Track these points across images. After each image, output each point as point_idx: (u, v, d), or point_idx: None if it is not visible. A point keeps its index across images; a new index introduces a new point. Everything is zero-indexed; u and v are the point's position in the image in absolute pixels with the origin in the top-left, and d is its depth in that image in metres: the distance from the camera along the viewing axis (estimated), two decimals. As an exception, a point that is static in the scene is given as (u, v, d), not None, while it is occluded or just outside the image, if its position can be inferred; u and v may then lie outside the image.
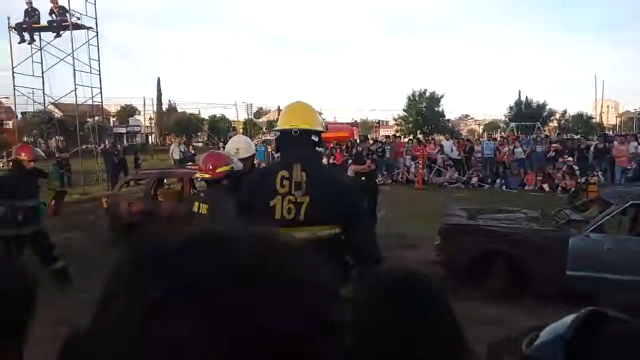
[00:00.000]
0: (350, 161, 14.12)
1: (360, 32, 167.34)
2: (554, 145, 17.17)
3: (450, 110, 68.78)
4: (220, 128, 49.31)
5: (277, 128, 2.60)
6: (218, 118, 53.71)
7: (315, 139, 2.50)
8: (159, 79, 53.74)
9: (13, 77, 16.45)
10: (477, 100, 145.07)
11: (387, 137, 22.34)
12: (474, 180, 16.35)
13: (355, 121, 53.61)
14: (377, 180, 10.08)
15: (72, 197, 12.31)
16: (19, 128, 23.62)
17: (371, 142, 15.64)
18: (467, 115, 72.94)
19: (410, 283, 0.92)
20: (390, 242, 7.54)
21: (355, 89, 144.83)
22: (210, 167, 3.72)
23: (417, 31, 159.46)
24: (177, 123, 47.47)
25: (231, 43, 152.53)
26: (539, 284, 5.37)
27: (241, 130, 40.46)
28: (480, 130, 60.68)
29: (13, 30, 16.12)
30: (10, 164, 5.77)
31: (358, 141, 20.26)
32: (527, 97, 47.52)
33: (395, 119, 49.02)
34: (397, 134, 27.13)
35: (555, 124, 47.85)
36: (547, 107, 46.80)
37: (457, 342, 0.89)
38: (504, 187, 15.78)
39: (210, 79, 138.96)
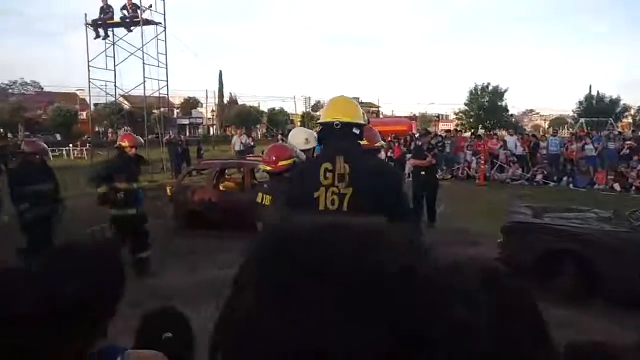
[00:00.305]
0: (408, 155, 13.94)
1: (422, 26, 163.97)
2: (628, 142, 16.18)
3: (514, 104, 66.21)
4: (278, 121, 50.07)
5: (319, 121, 2.66)
6: (277, 111, 54.49)
7: (357, 131, 2.55)
8: (220, 72, 55.35)
9: (88, 70, 17.44)
10: (543, 95, 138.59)
11: (448, 131, 21.84)
12: (539, 177, 15.68)
13: (414, 115, 52.81)
14: (436, 175, 9.87)
15: (140, 184, 12.92)
16: (92, 119, 24.99)
17: (431, 136, 15.34)
18: (531, 110, 70.02)
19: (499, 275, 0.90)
20: (450, 237, 7.42)
21: (414, 82, 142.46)
22: (274, 159, 3.80)
23: (480, 24, 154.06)
24: (237, 115, 48.65)
25: (291, 37, 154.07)
26: (610, 287, 5.10)
27: (299, 123, 40.88)
28: (546, 126, 58.02)
29: (89, 26, 17.07)
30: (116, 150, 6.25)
31: (417, 135, 20.01)
32: (598, 92, 45.01)
33: (455, 113, 47.85)
34: (458, 128, 26.47)
35: (630, 120, 45.03)
36: (621, 103, 44.12)
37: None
38: (570, 185, 15.04)
39: (270, 73, 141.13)
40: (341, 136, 2.50)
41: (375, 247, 0.43)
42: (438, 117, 62.32)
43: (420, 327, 0.39)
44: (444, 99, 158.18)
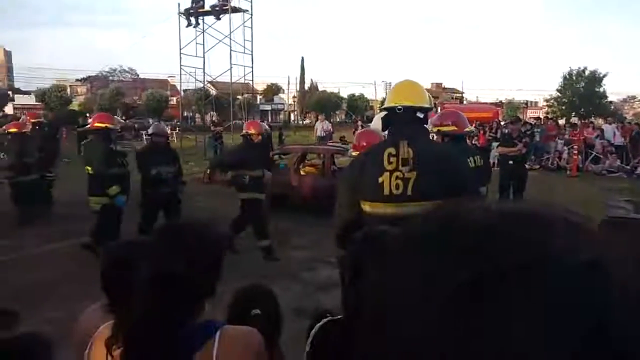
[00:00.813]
0: (495, 143, 13.35)
1: (512, 9, 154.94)
2: None
3: (613, 91, 60.94)
4: (358, 107, 49.86)
5: (386, 105, 2.62)
6: (357, 97, 54.29)
7: (421, 115, 2.52)
8: (302, 58, 56.03)
9: (180, 57, 18.34)
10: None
11: (537, 118, 20.62)
12: (641, 170, 14.40)
13: (500, 101, 50.34)
14: (525, 165, 9.37)
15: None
16: (182, 104, 26.37)
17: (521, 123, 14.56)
18: (633, 97, 64.09)
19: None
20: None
21: (501, 67, 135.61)
22: (363, 145, 3.84)
23: (576, 6, 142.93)
24: (317, 102, 49.09)
25: (372, 22, 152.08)
26: None
27: (378, 109, 40.47)
28: (650, 114, 52.95)
29: (182, 15, 17.92)
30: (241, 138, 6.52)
31: (502, 122, 19.08)
32: None
33: (546, 100, 45.00)
34: (549, 116, 24.89)
35: None
36: None
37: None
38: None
39: (351, 59, 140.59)
40: (404, 120, 2.49)
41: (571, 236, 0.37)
42: (526, 104, 58.92)
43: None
44: (534, 85, 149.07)
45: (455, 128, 4.29)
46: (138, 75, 51.81)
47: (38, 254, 6.22)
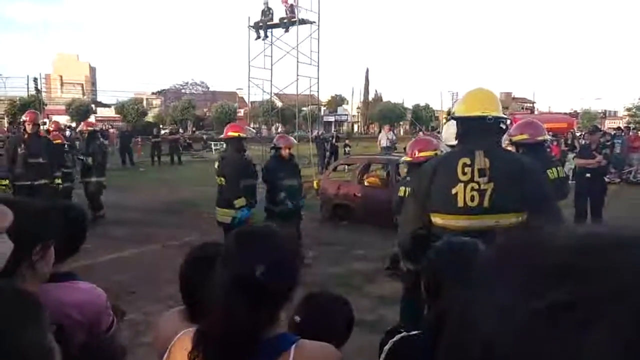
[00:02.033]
0: (570, 155, 12.65)
1: (587, 13, 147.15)
2: None
3: None
4: (423, 117, 49.09)
5: (465, 114, 2.49)
6: (422, 107, 53.51)
7: (503, 126, 2.47)
8: (367, 69, 56.11)
9: (249, 70, 18.91)
10: None
11: (618, 129, 19.36)
12: None
13: (575, 111, 47.76)
14: (604, 178, 8.79)
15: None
16: (249, 116, 27.17)
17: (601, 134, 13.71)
18: None
19: None
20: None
21: (576, 75, 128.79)
22: (416, 152, 3.78)
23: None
24: (380, 112, 48.88)
25: (438, 30, 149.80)
26: None
27: (444, 120, 39.65)
28: None
29: (252, 28, 18.51)
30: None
31: (578, 133, 18.07)
32: None
33: (627, 109, 42.19)
34: (631, 126, 23.31)
35: None
36: None
37: None
38: None
39: (416, 69, 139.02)
40: (488, 130, 2.40)
41: None
42: (604, 113, 55.52)
43: None
44: (613, 93, 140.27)
45: (527, 137, 4.11)
46: (208, 88, 54.01)
47: (115, 258, 6.58)
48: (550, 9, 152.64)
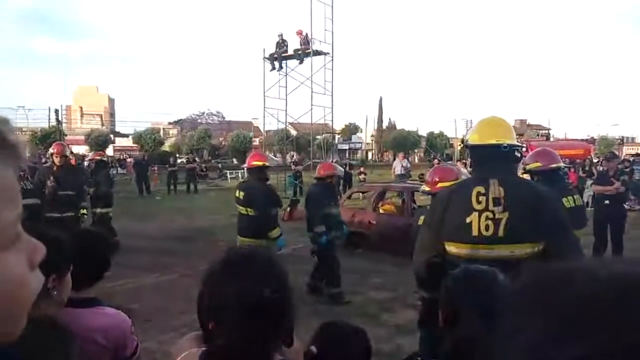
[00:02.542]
0: (589, 182, 12.50)
1: (605, 35, 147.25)
2: None
3: None
4: (437, 144, 49.09)
5: (479, 143, 2.49)
6: (436, 134, 53.57)
7: (518, 154, 2.49)
8: (381, 98, 56.61)
9: (264, 100, 19.24)
10: None
11: (636, 155, 19.15)
12: None
13: (592, 137, 47.35)
14: (624, 205, 8.65)
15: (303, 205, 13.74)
16: (264, 145, 27.47)
17: (619, 160, 13.57)
18: None
19: None
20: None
21: (592, 100, 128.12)
22: (436, 180, 3.76)
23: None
24: (394, 139, 49.02)
25: (451, 58, 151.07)
26: None
27: (459, 148, 39.58)
28: None
29: (267, 59, 18.91)
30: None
31: (595, 160, 17.88)
32: None
33: (645, 135, 41.72)
34: (649, 153, 23.03)
35: None
36: None
37: None
38: None
39: (430, 96, 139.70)
40: (504, 159, 2.39)
41: None
42: (621, 139, 54.92)
43: None
44: (632, 119, 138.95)
45: (540, 164, 4.09)
46: (224, 118, 54.80)
47: (131, 286, 6.61)
48: (565, 35, 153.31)
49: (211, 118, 53.60)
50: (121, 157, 34.45)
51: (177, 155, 34.67)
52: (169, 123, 57.64)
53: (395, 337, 4.77)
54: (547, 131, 57.19)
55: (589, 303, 0.36)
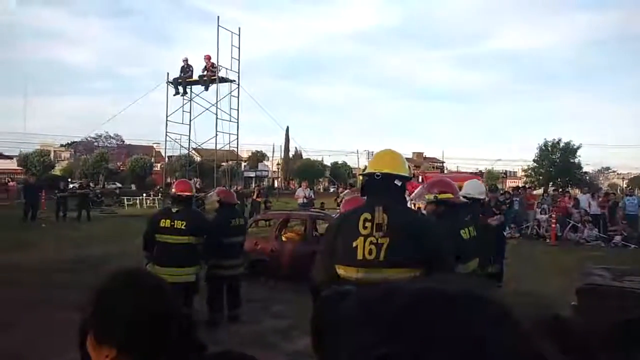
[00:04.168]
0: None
1: (486, 82, 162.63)
2: None
3: (588, 162, 62.82)
4: (340, 174, 50.54)
5: (363, 172, 2.74)
6: (340, 165, 55.20)
7: (399, 183, 2.60)
8: (287, 127, 57.23)
9: (166, 124, 18.67)
10: (620, 153, 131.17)
11: (517, 188, 21.13)
12: (617, 238, 14.64)
13: (480, 171, 51.59)
14: (504, 233, 9.48)
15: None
16: (165, 170, 26.49)
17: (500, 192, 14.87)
18: (607, 168, 66.29)
19: None
20: (519, 299, 7.01)
21: (479, 138, 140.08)
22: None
23: (547, 79, 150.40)
24: (300, 168, 49.74)
25: (355, 94, 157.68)
26: None
27: (360, 177, 41.08)
28: (624, 185, 54.54)
29: (170, 84, 18.46)
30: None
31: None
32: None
33: (524, 170, 46.30)
34: (527, 186, 25.54)
35: None
36: None
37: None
38: (653, 248, 13.88)
39: (335, 128, 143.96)
40: (382, 187, 2.56)
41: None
42: (505, 173, 60.43)
43: None
44: (512, 156, 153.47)
45: (452, 195, 4.34)
46: (124, 142, 52.19)
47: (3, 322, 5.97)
48: (454, 80, 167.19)
49: (109, 141, 50.81)
50: (2, 180, 31.32)
51: (70, 179, 32.25)
52: (61, 145, 53.67)
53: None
54: (441, 164, 61.35)
55: (399, 312, 0.46)
